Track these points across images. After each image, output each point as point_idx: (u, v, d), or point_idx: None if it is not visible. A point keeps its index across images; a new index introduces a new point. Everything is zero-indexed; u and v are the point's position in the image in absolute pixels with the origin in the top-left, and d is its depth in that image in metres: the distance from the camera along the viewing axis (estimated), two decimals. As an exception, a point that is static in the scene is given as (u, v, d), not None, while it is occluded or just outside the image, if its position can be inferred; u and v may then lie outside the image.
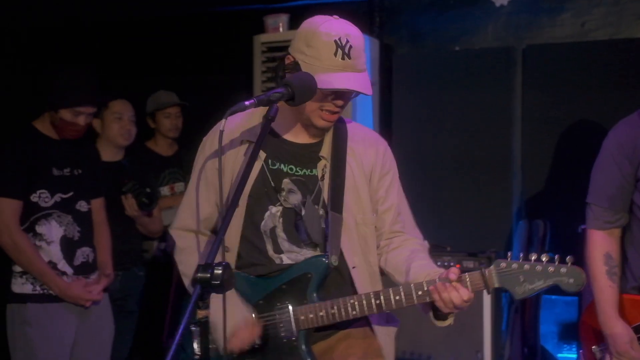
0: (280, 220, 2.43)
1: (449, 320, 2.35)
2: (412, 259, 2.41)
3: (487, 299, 3.88)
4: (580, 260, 3.79)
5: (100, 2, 5.34)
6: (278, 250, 2.44)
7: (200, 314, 1.77)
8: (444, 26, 5.05)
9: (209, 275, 1.74)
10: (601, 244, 3.04)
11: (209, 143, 2.51)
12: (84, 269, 3.76)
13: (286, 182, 2.43)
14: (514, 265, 2.18)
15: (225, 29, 5.51)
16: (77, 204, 3.75)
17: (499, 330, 3.99)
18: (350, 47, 2.30)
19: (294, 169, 2.45)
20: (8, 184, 3.58)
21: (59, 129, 3.71)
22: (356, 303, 2.31)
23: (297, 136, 2.47)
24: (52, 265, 3.64)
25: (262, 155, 2.45)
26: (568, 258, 2.14)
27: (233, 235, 2.46)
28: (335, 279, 2.42)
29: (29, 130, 3.74)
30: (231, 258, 2.48)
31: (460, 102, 4.72)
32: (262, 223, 2.44)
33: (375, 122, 4.84)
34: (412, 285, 2.28)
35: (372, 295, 2.30)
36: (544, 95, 4.62)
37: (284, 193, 2.43)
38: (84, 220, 3.79)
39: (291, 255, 2.43)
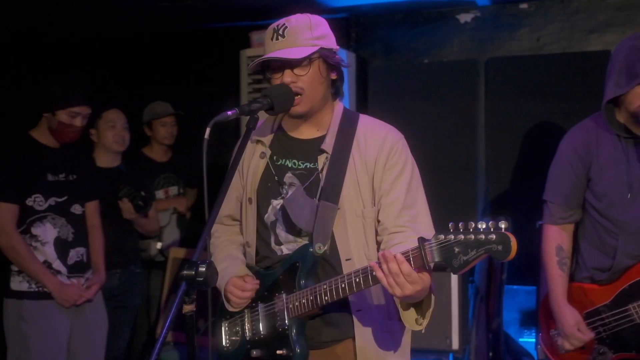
0: (280, 212, 2.34)
1: (419, 324, 2.14)
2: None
3: (455, 290, 3.87)
4: (536, 251, 3.85)
5: (100, 19, 5.30)
6: (278, 242, 2.37)
7: (186, 308, 1.75)
8: (414, 41, 5.07)
9: (193, 272, 1.73)
10: (554, 238, 3.08)
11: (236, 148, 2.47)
12: (78, 268, 3.73)
13: (288, 176, 2.35)
14: (451, 236, 1.87)
15: (215, 44, 5.51)
16: (71, 207, 3.73)
17: (466, 318, 3.98)
18: (285, 27, 2.24)
19: (297, 163, 2.36)
20: (5, 189, 3.56)
21: (57, 132, 3.67)
22: (327, 289, 2.16)
23: (301, 132, 2.39)
24: (48, 264, 3.62)
25: (268, 152, 2.40)
26: (501, 222, 1.84)
27: (250, 231, 2.43)
28: (325, 269, 2.30)
29: (25, 139, 3.72)
30: (251, 252, 2.44)
31: (429, 110, 4.72)
32: (266, 216, 2.38)
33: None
34: (368, 266, 2.07)
35: (339, 280, 2.13)
36: (505, 103, 4.64)
37: (285, 187, 2.34)
38: (78, 223, 3.76)
39: (289, 245, 2.34)
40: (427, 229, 2.27)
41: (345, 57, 4.76)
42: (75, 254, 3.71)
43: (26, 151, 3.66)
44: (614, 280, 2.94)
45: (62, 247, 3.66)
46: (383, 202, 2.28)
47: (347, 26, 5.17)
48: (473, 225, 1.87)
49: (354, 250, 2.29)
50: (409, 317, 2.15)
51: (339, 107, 2.41)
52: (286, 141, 2.41)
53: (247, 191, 2.43)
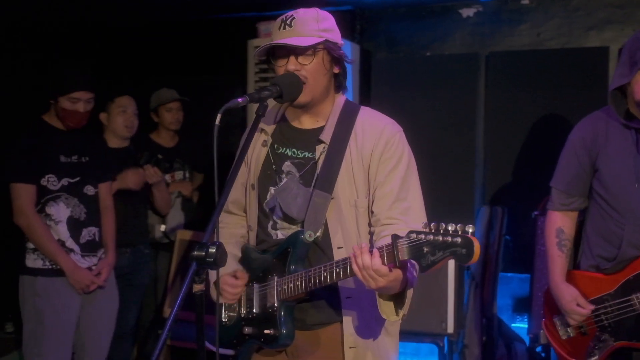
0: (277, 199, 2.36)
1: (393, 315, 2.15)
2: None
3: (451, 277, 3.90)
4: (531, 240, 3.87)
5: (110, 8, 5.30)
6: (275, 227, 2.39)
7: (196, 287, 1.77)
8: (417, 34, 5.07)
9: (203, 253, 1.74)
10: (555, 222, 3.11)
11: (242, 137, 2.50)
12: (90, 247, 3.75)
13: (287, 165, 2.37)
14: (421, 236, 1.86)
15: (223, 34, 5.50)
16: (84, 188, 3.75)
17: (461, 303, 4.01)
18: (293, 18, 2.26)
19: (296, 152, 2.37)
20: (22, 170, 3.58)
21: (63, 118, 3.69)
22: (311, 275, 2.17)
23: (302, 122, 2.40)
24: (61, 243, 3.64)
25: (269, 140, 2.41)
26: (468, 226, 1.82)
27: (252, 216, 2.45)
28: (317, 256, 2.31)
29: (39, 123, 3.74)
30: (253, 236, 2.47)
31: (430, 102, 4.72)
32: (265, 203, 2.40)
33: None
34: (348, 259, 2.08)
35: (322, 269, 2.15)
36: (504, 97, 4.64)
37: (283, 175, 2.36)
38: (91, 203, 3.77)
39: (284, 231, 2.36)
40: (418, 221, 2.21)
41: (350, 49, 4.78)
42: (87, 233, 3.73)
43: (39, 134, 3.68)
44: (619, 270, 2.93)
45: (74, 226, 3.68)
46: (377, 193, 2.28)
47: (351, 19, 5.16)
48: (444, 226, 1.85)
49: (346, 239, 2.30)
50: (387, 308, 2.15)
51: (340, 99, 2.42)
52: (287, 130, 2.42)
53: (250, 178, 2.45)
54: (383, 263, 1.98)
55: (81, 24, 5.70)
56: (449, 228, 1.84)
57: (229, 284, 2.39)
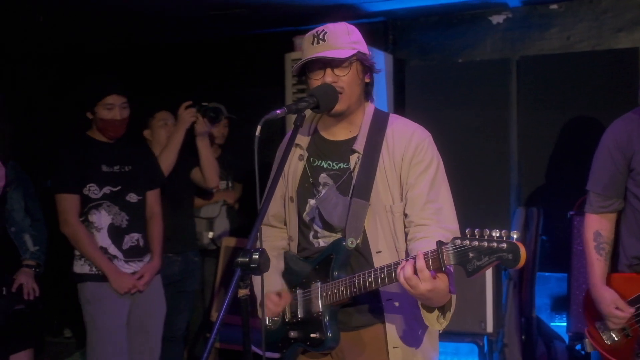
0: (316, 211, 2.38)
1: (437, 324, 2.14)
2: (418, 247, 2.17)
3: (489, 277, 3.86)
4: (567, 240, 3.80)
5: (156, 28, 5.39)
6: (316, 236, 2.42)
7: (241, 292, 1.79)
8: (448, 41, 5.04)
9: (247, 259, 1.76)
10: (593, 225, 3.03)
11: (278, 150, 2.54)
12: (134, 253, 3.77)
13: (323, 177, 2.39)
14: (466, 242, 1.89)
15: (261, 49, 5.54)
16: (126, 196, 3.77)
17: (499, 303, 3.97)
18: (325, 33, 2.27)
19: (331, 164, 2.39)
20: (66, 181, 3.66)
21: (103, 130, 3.73)
22: (356, 281, 2.20)
23: (336, 134, 2.42)
24: (104, 249, 3.68)
25: (305, 154, 2.43)
26: (513, 232, 1.84)
27: (293, 227, 2.48)
28: (358, 261, 2.33)
29: (82, 137, 3.80)
30: (294, 245, 2.49)
31: (463, 107, 4.69)
32: (305, 214, 2.43)
33: (391, 125, 4.83)
34: (392, 265, 2.12)
35: (367, 275, 2.18)
36: (536, 100, 4.59)
37: (320, 187, 2.38)
38: (133, 210, 3.79)
39: (325, 239, 2.38)
40: (450, 222, 2.27)
41: (383, 58, 4.78)
42: (129, 240, 3.76)
43: (82, 147, 3.74)
44: None
45: (116, 233, 3.71)
46: (409, 196, 2.29)
47: (384, 29, 5.15)
48: (488, 232, 1.88)
49: (384, 244, 2.32)
50: (431, 317, 2.15)
51: (370, 108, 2.43)
52: (322, 143, 2.44)
53: (289, 191, 2.48)
54: (428, 268, 1.99)
55: (129, 43, 5.80)
56: (494, 234, 1.87)
57: (273, 301, 2.41)
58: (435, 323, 2.14)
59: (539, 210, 4.32)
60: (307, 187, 2.42)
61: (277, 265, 2.50)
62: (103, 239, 3.69)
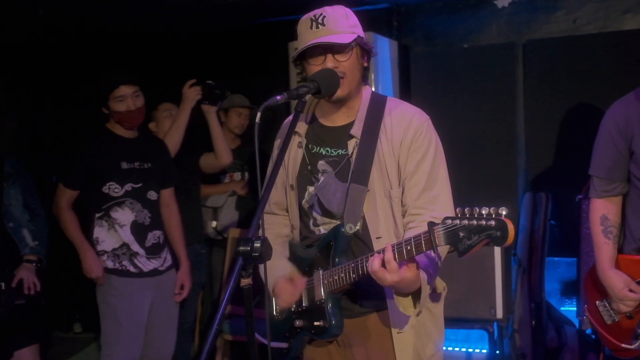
0: (315, 198, 2.36)
1: (411, 309, 2.15)
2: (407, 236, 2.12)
3: (498, 263, 3.82)
4: (576, 224, 3.77)
5: (158, 18, 5.35)
6: (316, 223, 2.39)
7: (244, 282, 1.76)
8: (453, 26, 4.99)
9: (249, 248, 1.73)
10: (598, 209, 2.97)
11: (277, 137, 2.52)
12: (155, 250, 3.77)
13: (321, 164, 2.36)
14: (456, 222, 1.84)
15: (264, 38, 5.50)
16: (147, 193, 3.75)
17: (509, 289, 3.94)
18: (324, 17, 2.21)
19: (330, 151, 2.36)
20: (71, 176, 3.70)
21: (120, 122, 3.71)
22: (354, 266, 2.17)
23: (334, 120, 2.38)
24: (126, 246, 3.67)
25: (304, 141, 2.40)
26: (501, 209, 1.79)
27: (294, 215, 2.46)
28: (359, 247, 2.30)
29: (102, 131, 3.78)
30: (297, 234, 2.47)
31: (470, 92, 4.64)
32: (304, 202, 2.40)
33: (396, 112, 4.79)
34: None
35: (363, 260, 2.13)
36: (542, 84, 4.54)
37: (319, 174, 2.36)
38: (154, 207, 3.79)
39: (325, 226, 2.36)
40: (445, 209, 2.24)
41: (388, 45, 4.73)
42: (152, 237, 3.75)
43: (101, 143, 3.72)
44: None
45: (139, 230, 3.70)
46: (407, 184, 2.27)
47: (388, 15, 5.10)
48: (477, 210, 1.82)
49: (384, 229, 2.28)
50: (405, 302, 2.14)
51: (366, 92, 2.39)
52: (319, 130, 2.41)
53: (289, 178, 2.45)
54: (395, 259, 1.98)
55: (131, 33, 5.77)
56: (483, 212, 1.81)
57: (288, 291, 2.37)
58: (409, 308, 2.13)
59: (547, 195, 4.28)
60: (306, 174, 2.39)
61: (282, 252, 2.47)
62: (126, 236, 3.67)
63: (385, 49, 4.67)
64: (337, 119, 2.38)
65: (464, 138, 4.69)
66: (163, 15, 5.23)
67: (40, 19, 4.94)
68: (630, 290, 2.85)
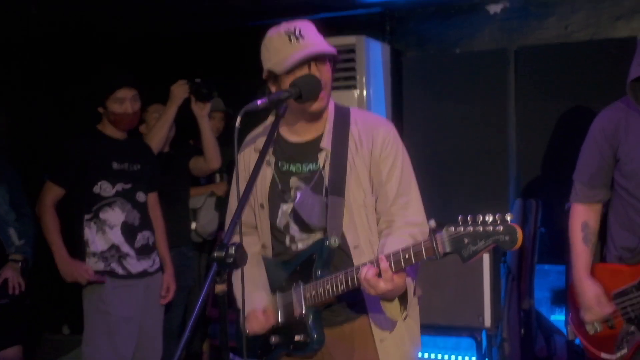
0: (291, 215, 2.34)
1: (398, 314, 2.16)
2: (384, 244, 2.22)
3: (486, 270, 3.80)
4: (566, 231, 3.75)
5: (152, 19, 5.33)
6: (293, 240, 2.37)
7: (218, 288, 1.74)
8: (446, 32, 4.99)
9: (223, 254, 1.72)
10: (580, 215, 2.98)
11: (244, 144, 2.48)
12: (145, 250, 3.74)
13: (294, 181, 2.35)
14: (460, 229, 1.88)
15: (260, 40, 5.45)
16: (136, 195, 3.74)
17: (498, 296, 3.91)
18: (300, 30, 2.23)
19: (300, 167, 2.35)
20: (59, 173, 3.65)
21: (115, 123, 3.69)
22: (341, 278, 2.16)
23: (302, 135, 2.37)
24: (115, 247, 3.63)
25: (272, 159, 2.38)
26: (507, 215, 1.84)
27: (265, 234, 2.43)
28: (341, 258, 2.29)
29: (92, 132, 3.76)
30: (268, 252, 2.45)
31: (461, 98, 4.64)
32: (277, 220, 2.38)
33: (388, 116, 4.79)
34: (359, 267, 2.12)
35: (347, 274, 2.14)
36: (534, 90, 4.53)
37: (292, 191, 2.34)
38: (143, 209, 3.77)
39: (303, 242, 2.34)
40: (416, 215, 2.30)
41: (380, 49, 4.72)
42: (142, 238, 3.72)
43: (92, 142, 3.70)
44: None
45: (129, 231, 3.67)
46: (381, 192, 2.30)
47: (381, 20, 5.09)
48: (481, 217, 1.87)
49: (361, 238, 2.30)
50: (392, 307, 2.15)
51: (330, 104, 2.39)
52: (287, 147, 2.39)
53: (257, 198, 2.42)
54: (391, 268, 2.01)
55: (126, 33, 5.74)
56: (488, 219, 1.86)
57: (259, 321, 2.35)
58: (397, 313, 2.15)
59: (537, 202, 4.26)
60: (278, 192, 2.37)
61: (260, 278, 2.44)
62: (116, 237, 3.64)
63: (377, 52, 4.66)
64: (306, 134, 2.36)
65: (455, 143, 4.68)
66: (157, 15, 5.21)
67: (33, 16, 4.92)
68: (600, 303, 2.84)
